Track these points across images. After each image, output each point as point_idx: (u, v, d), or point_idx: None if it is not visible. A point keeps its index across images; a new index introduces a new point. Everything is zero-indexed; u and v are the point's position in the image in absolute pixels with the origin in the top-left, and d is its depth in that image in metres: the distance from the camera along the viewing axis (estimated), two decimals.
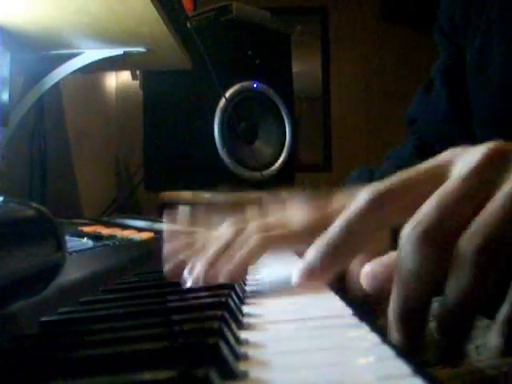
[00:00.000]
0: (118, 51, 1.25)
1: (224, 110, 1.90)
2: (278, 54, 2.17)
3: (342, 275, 0.42)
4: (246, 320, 0.33)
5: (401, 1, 3.68)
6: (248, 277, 0.54)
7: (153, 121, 2.13)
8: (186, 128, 2.00)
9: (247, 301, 0.40)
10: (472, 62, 0.74)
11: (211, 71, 1.69)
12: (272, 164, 2.05)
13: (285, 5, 3.69)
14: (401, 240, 0.30)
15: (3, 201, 0.35)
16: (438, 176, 0.32)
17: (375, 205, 0.32)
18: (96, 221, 1.11)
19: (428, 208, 0.30)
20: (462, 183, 0.30)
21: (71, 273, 0.45)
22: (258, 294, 0.44)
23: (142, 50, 1.26)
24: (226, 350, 0.24)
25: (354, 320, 0.32)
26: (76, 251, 0.62)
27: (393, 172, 0.67)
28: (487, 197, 0.29)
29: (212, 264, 0.45)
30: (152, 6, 1.01)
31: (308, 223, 0.48)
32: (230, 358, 0.24)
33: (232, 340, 0.27)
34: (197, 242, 0.52)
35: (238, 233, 0.47)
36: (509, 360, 0.49)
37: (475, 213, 0.29)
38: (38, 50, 1.23)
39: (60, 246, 0.35)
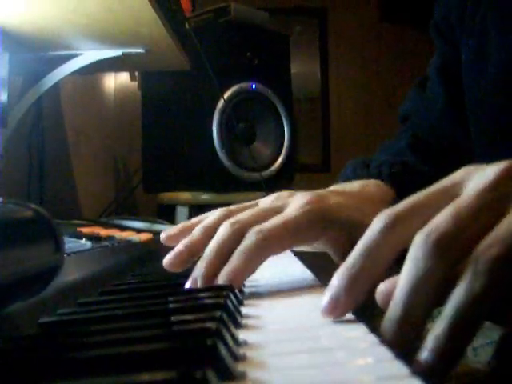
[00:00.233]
0: (116, 52, 1.25)
1: (223, 111, 1.90)
2: (276, 54, 2.17)
3: None
4: (244, 321, 0.33)
5: (400, 1, 3.68)
6: None
7: (151, 122, 2.13)
8: (185, 129, 2.00)
9: (246, 302, 0.40)
10: (468, 60, 0.75)
11: (210, 72, 1.69)
12: (271, 165, 2.05)
13: (283, 5, 3.69)
14: (412, 246, 0.30)
15: (1, 201, 0.35)
16: (452, 194, 0.32)
17: (392, 227, 0.32)
18: (94, 222, 1.11)
19: (443, 217, 0.30)
20: (476, 197, 0.30)
21: (70, 274, 0.45)
22: (256, 295, 0.44)
23: (140, 50, 1.26)
24: (224, 351, 0.24)
25: (353, 321, 0.32)
26: (74, 252, 0.62)
27: (389, 165, 0.67)
28: (501, 212, 0.29)
29: (211, 266, 0.45)
30: (150, 6, 1.01)
31: (303, 207, 0.48)
32: (228, 359, 0.24)
33: (230, 341, 0.27)
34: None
35: (235, 232, 0.47)
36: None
37: (488, 226, 0.29)
38: (36, 51, 1.23)
39: (58, 247, 0.35)
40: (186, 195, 1.99)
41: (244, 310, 0.37)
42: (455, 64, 0.77)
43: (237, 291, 0.41)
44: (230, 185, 1.94)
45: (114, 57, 1.26)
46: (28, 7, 1.00)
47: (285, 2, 3.71)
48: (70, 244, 0.69)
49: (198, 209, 2.00)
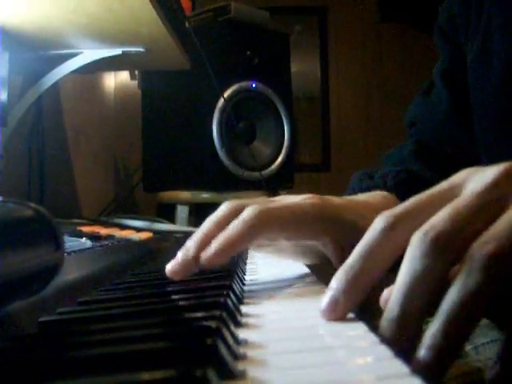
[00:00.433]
0: (116, 51, 1.25)
1: (223, 110, 1.90)
2: (276, 53, 2.17)
3: None
4: (244, 320, 0.33)
5: (400, 1, 3.68)
6: (247, 277, 0.54)
7: (151, 121, 2.13)
8: (185, 128, 2.00)
9: (246, 301, 0.40)
10: (473, 61, 0.74)
11: (210, 71, 1.69)
12: (271, 164, 2.05)
13: (283, 5, 3.69)
14: (410, 246, 0.30)
15: (2, 201, 0.35)
16: (452, 195, 0.32)
17: (391, 229, 0.32)
18: (94, 221, 1.11)
19: (440, 217, 0.30)
20: (474, 197, 0.30)
21: (70, 273, 0.45)
22: (256, 294, 0.44)
23: (140, 49, 1.26)
24: (224, 350, 0.24)
25: (353, 320, 0.32)
26: (74, 251, 0.62)
27: (393, 175, 0.67)
28: (499, 212, 0.29)
29: (201, 246, 0.45)
30: (150, 6, 1.01)
31: (308, 199, 0.48)
32: (229, 358, 0.24)
33: (230, 340, 0.27)
34: None
35: (233, 211, 0.47)
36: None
37: (486, 226, 0.29)
38: (36, 50, 1.23)
39: (58, 245, 0.35)
40: (185, 194, 1.99)
41: (244, 308, 0.37)
42: (460, 67, 0.77)
43: (237, 290, 0.41)
44: (229, 184, 1.94)
45: (114, 56, 1.26)
46: (28, 7, 1.00)
47: (285, 1, 3.72)
48: (70, 243, 0.69)
49: (197, 208, 2.00)
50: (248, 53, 2.02)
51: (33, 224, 0.34)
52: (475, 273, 0.27)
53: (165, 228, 1.11)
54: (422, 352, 0.27)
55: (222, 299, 0.34)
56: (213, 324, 0.26)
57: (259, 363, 0.25)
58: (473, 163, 0.36)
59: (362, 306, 0.35)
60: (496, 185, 0.31)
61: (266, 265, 0.63)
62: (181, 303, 0.37)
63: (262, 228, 0.44)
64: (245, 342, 0.28)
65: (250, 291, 0.45)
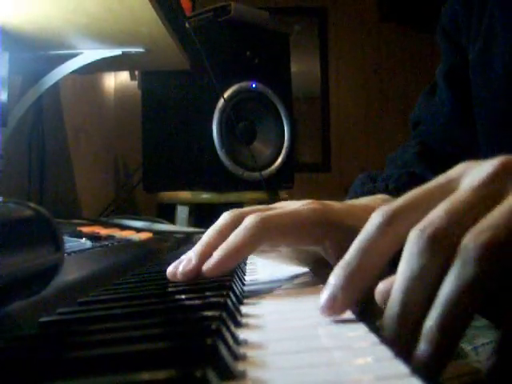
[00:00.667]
0: (116, 51, 1.25)
1: (222, 111, 1.90)
2: (276, 54, 2.17)
3: None
4: (244, 320, 0.33)
5: (399, 1, 3.68)
6: (246, 277, 0.54)
7: (151, 121, 2.13)
8: (185, 128, 2.00)
9: (246, 301, 0.40)
10: (475, 61, 0.74)
11: (210, 71, 1.69)
12: (271, 164, 2.05)
13: (283, 5, 3.69)
14: (407, 243, 0.30)
15: (2, 201, 0.35)
16: (449, 189, 0.32)
17: (388, 224, 0.32)
18: (95, 221, 1.11)
19: (437, 213, 0.30)
20: (471, 192, 0.30)
21: (70, 273, 0.45)
22: (256, 294, 0.44)
23: (140, 50, 1.26)
24: (224, 351, 0.24)
25: (353, 320, 0.32)
26: (74, 251, 0.62)
27: (395, 178, 0.67)
28: (496, 206, 0.29)
29: (203, 256, 0.45)
30: (150, 6, 1.01)
31: (308, 205, 0.48)
32: (228, 359, 0.24)
33: (230, 340, 0.27)
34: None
35: (235, 220, 0.47)
36: None
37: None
38: (36, 50, 1.23)
39: (58, 246, 0.35)
40: (185, 194, 1.99)
41: (244, 309, 0.37)
42: (463, 68, 0.77)
43: (237, 290, 0.41)
44: (229, 184, 1.94)
45: (114, 56, 1.26)
46: (28, 7, 1.00)
47: (285, 2, 3.72)
48: (70, 243, 0.69)
49: (197, 208, 2.00)
50: (248, 53, 2.02)
51: (33, 224, 0.34)
52: (469, 264, 0.27)
53: (165, 228, 1.11)
54: (421, 346, 0.27)
55: (221, 299, 0.34)
56: (213, 324, 0.26)
57: (259, 364, 0.25)
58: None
59: (362, 306, 0.35)
60: (492, 179, 0.31)
61: (265, 265, 0.63)
62: (181, 303, 0.37)
63: (264, 236, 0.45)
64: (245, 343, 0.29)
65: (249, 291, 0.45)
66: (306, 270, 0.56)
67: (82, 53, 1.25)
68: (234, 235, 0.44)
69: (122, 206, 2.13)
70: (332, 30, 3.85)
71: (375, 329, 0.30)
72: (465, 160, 0.35)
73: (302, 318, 0.35)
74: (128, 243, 0.81)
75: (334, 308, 0.32)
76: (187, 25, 1.54)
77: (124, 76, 2.33)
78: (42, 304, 0.36)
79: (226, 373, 0.23)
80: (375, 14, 3.79)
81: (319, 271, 0.53)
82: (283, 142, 2.10)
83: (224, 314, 0.30)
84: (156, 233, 0.96)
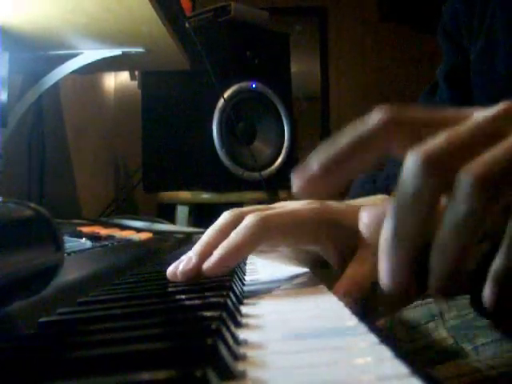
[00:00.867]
0: (116, 51, 1.25)
1: (223, 111, 1.90)
2: (276, 54, 2.17)
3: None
4: (244, 320, 0.33)
5: (399, 1, 3.68)
6: (246, 277, 0.54)
7: (151, 121, 2.13)
8: (185, 128, 2.00)
9: (246, 301, 0.40)
10: (476, 61, 0.74)
11: (210, 71, 1.69)
12: (271, 164, 2.05)
13: (283, 5, 3.69)
14: (405, 163, 0.29)
15: (1, 201, 0.35)
16: (458, 119, 0.31)
17: (388, 122, 0.31)
18: (95, 221, 1.11)
19: (439, 138, 0.29)
20: (476, 124, 0.29)
21: (70, 273, 0.45)
22: (256, 294, 0.44)
23: (140, 50, 1.26)
24: (224, 351, 0.24)
25: (353, 320, 0.32)
26: (74, 252, 0.62)
27: (395, 178, 0.67)
28: (499, 138, 0.28)
29: (203, 255, 0.45)
30: (150, 6, 1.01)
31: (307, 205, 0.48)
32: (228, 359, 0.24)
33: (230, 340, 0.27)
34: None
35: (235, 220, 0.47)
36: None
37: (485, 149, 0.28)
38: (36, 50, 1.23)
39: (58, 246, 0.35)
40: (185, 194, 1.99)
41: (244, 309, 0.37)
42: (463, 68, 0.77)
43: (237, 290, 0.41)
44: (230, 184, 1.94)
45: (114, 56, 1.26)
46: (28, 7, 1.00)
47: (285, 2, 3.72)
48: (70, 243, 0.69)
49: (197, 208, 2.00)
50: (248, 53, 2.02)
51: (33, 224, 0.34)
52: (463, 198, 0.26)
53: (165, 228, 1.11)
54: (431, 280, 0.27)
55: (221, 300, 0.34)
56: (213, 324, 0.26)
57: (259, 363, 0.25)
58: None
59: (362, 306, 0.35)
60: (498, 117, 0.30)
61: (265, 265, 0.63)
62: (181, 304, 0.37)
63: (263, 235, 0.45)
64: (245, 343, 0.28)
65: (249, 291, 0.45)
66: (305, 270, 0.56)
67: (82, 53, 1.25)
68: (235, 234, 0.44)
69: (122, 206, 2.13)
70: (332, 29, 3.85)
71: (375, 329, 0.30)
72: None
73: (302, 317, 0.35)
74: (128, 243, 0.81)
75: (307, 179, 0.32)
76: (187, 25, 1.55)
77: (124, 76, 2.33)
78: (42, 304, 0.36)
79: (226, 373, 0.23)
80: (375, 14, 3.79)
81: (319, 271, 0.53)
82: (283, 142, 2.10)
83: (224, 314, 0.30)
84: (156, 233, 0.96)
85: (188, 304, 0.37)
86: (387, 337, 0.29)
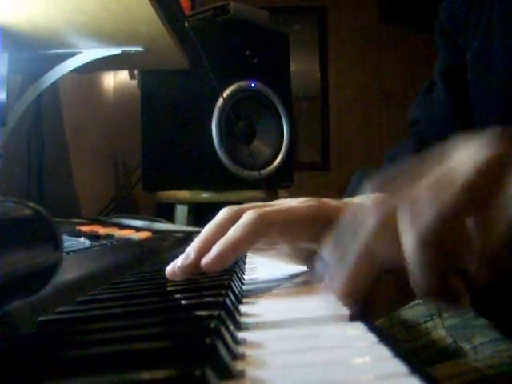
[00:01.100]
0: (115, 50, 1.25)
1: (222, 110, 1.90)
2: (276, 53, 2.17)
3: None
4: (243, 319, 0.33)
5: (399, 1, 3.68)
6: (246, 276, 0.54)
7: (150, 120, 2.13)
8: (184, 127, 2.00)
9: (245, 300, 0.40)
10: (473, 59, 0.74)
11: (209, 70, 1.69)
12: (270, 163, 2.05)
13: (283, 4, 3.69)
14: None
15: (0, 200, 0.35)
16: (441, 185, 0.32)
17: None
18: (94, 220, 1.11)
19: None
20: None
21: (69, 272, 0.45)
22: (255, 293, 0.44)
23: (139, 49, 1.26)
24: (222, 350, 0.24)
25: (352, 320, 0.32)
26: (73, 251, 0.62)
27: (392, 178, 0.68)
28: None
29: (201, 251, 0.45)
30: (150, 5, 1.01)
31: (305, 202, 0.48)
32: (227, 358, 0.24)
33: (229, 339, 0.27)
34: None
35: (233, 216, 0.47)
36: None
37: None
38: (35, 50, 1.22)
39: (57, 245, 0.35)
40: (185, 194, 1.99)
41: (243, 308, 0.37)
42: (460, 66, 0.77)
43: (236, 289, 0.41)
44: (229, 183, 1.94)
45: (113, 55, 1.26)
46: (27, 6, 1.00)
47: (284, 1, 3.71)
48: (69, 242, 0.69)
49: (197, 207, 2.00)
50: (247, 52, 2.02)
51: (31, 223, 0.34)
52: None
53: (164, 228, 1.11)
54: None
55: (220, 299, 0.34)
56: (212, 324, 0.26)
57: (258, 363, 0.25)
58: None
59: (361, 306, 0.35)
60: (477, 186, 0.31)
61: (264, 264, 0.63)
62: (180, 303, 0.37)
63: (261, 232, 0.45)
64: (243, 342, 0.28)
65: (249, 290, 0.45)
66: (305, 269, 0.56)
67: (81, 52, 1.25)
68: (233, 231, 0.44)
69: (121, 205, 2.13)
70: (332, 29, 3.85)
71: (374, 328, 0.30)
72: None
73: (301, 317, 0.35)
74: (127, 242, 0.81)
75: None
76: (186, 24, 1.54)
77: (123, 75, 2.33)
78: (41, 303, 0.36)
79: (225, 372, 0.23)
80: (375, 14, 3.78)
81: (318, 270, 0.53)
82: (282, 141, 2.10)
83: (223, 313, 0.30)
84: (155, 232, 0.96)
85: (187, 303, 0.37)
86: (386, 336, 0.29)
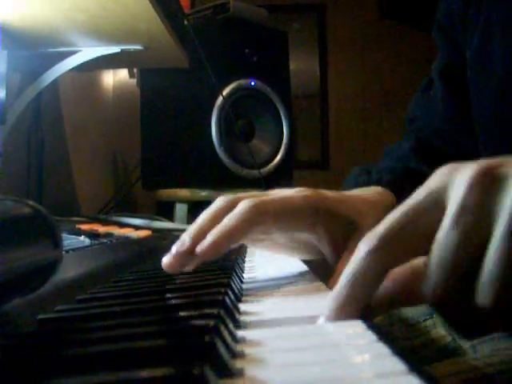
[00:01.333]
0: (114, 49, 1.25)
1: (221, 108, 1.90)
2: (275, 51, 2.17)
3: None
4: (242, 318, 0.33)
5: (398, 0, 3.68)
6: (245, 275, 0.54)
7: (150, 118, 2.13)
8: (184, 126, 2.00)
9: (244, 299, 0.40)
10: (472, 57, 0.74)
11: (208, 69, 1.69)
12: (270, 162, 2.05)
13: (282, 2, 3.69)
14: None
15: (0, 199, 0.35)
16: (432, 207, 0.32)
17: (375, 253, 0.32)
18: (93, 219, 1.11)
19: (433, 270, 0.31)
20: (455, 226, 0.30)
21: (68, 271, 0.45)
22: (255, 292, 0.44)
23: (139, 47, 1.26)
24: (222, 348, 0.24)
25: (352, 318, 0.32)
26: (73, 249, 0.62)
27: (390, 170, 0.68)
28: (484, 229, 0.29)
29: (196, 238, 0.45)
30: (149, 3, 1.01)
31: (301, 192, 0.48)
32: (226, 356, 0.24)
33: (228, 338, 0.27)
34: None
35: (229, 205, 0.47)
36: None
37: (478, 250, 0.29)
38: (35, 48, 1.22)
39: (57, 243, 0.35)
40: (184, 192, 1.99)
41: (242, 306, 0.37)
42: (458, 64, 0.77)
43: (235, 288, 0.41)
44: (228, 182, 1.94)
45: (113, 54, 1.26)
46: (26, 5, 1.00)
47: None
48: (69, 241, 0.69)
49: (196, 206, 2.00)
50: (247, 51, 2.02)
51: (31, 222, 0.34)
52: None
53: (163, 226, 1.11)
54: None
55: (220, 297, 0.34)
56: (211, 322, 0.26)
57: (257, 361, 0.25)
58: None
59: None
60: (470, 202, 0.30)
61: (264, 263, 0.63)
62: (179, 301, 0.37)
63: (256, 220, 0.45)
64: (243, 340, 0.29)
65: (248, 289, 0.45)
66: (304, 267, 0.56)
67: (80, 50, 1.25)
68: (228, 219, 0.45)
69: (121, 204, 2.13)
70: (331, 27, 3.85)
71: (374, 326, 0.30)
72: (461, 156, 0.34)
73: (300, 315, 0.35)
74: (127, 241, 0.81)
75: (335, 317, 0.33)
76: (186, 22, 1.54)
77: (123, 73, 2.33)
78: (41, 301, 0.36)
79: (224, 370, 0.23)
80: (375, 12, 3.78)
81: (318, 263, 0.53)
82: (282, 140, 2.10)
83: (222, 312, 0.30)
84: (155, 230, 0.96)
85: (186, 301, 0.37)
86: (385, 334, 0.29)
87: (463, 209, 0.30)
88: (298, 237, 0.51)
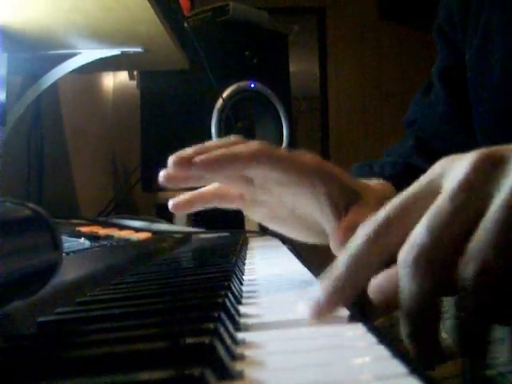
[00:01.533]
0: (114, 51, 1.25)
1: (221, 110, 1.90)
2: (275, 53, 2.17)
3: None
4: (242, 320, 0.33)
5: (398, 0, 3.68)
6: (245, 277, 0.54)
7: (150, 121, 2.13)
8: (184, 128, 2.00)
9: (244, 301, 0.40)
10: (472, 59, 0.74)
11: (208, 71, 1.69)
12: None
13: (282, 5, 3.69)
14: (399, 267, 0.30)
15: (0, 201, 0.35)
16: (433, 189, 0.32)
17: (374, 239, 0.32)
18: (93, 221, 1.11)
19: (419, 230, 0.30)
20: (450, 201, 0.30)
21: (68, 273, 0.45)
22: (254, 294, 0.44)
23: (139, 50, 1.26)
24: (222, 351, 0.24)
25: (351, 320, 0.32)
26: (73, 251, 0.62)
27: (391, 165, 0.68)
28: (479, 209, 0.29)
29: (200, 151, 0.46)
30: (149, 5, 1.01)
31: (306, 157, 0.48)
32: (226, 358, 0.24)
33: (228, 340, 0.27)
34: None
35: (239, 141, 0.49)
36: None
37: (469, 227, 0.29)
38: (35, 50, 1.22)
39: (57, 246, 0.35)
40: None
41: (242, 309, 0.37)
42: (458, 66, 0.77)
43: (235, 290, 0.41)
44: None
45: (113, 56, 1.26)
46: (26, 7, 1.00)
47: (283, 1, 3.71)
48: (69, 243, 0.69)
49: None
50: (247, 53, 2.02)
51: (31, 224, 0.34)
52: (467, 299, 0.28)
53: (164, 228, 1.11)
54: None
55: (220, 299, 0.34)
56: (211, 324, 0.26)
57: (257, 363, 0.25)
58: None
59: (361, 306, 0.35)
60: (470, 181, 0.30)
61: (264, 265, 0.63)
62: (179, 303, 0.37)
63: (261, 157, 0.46)
64: (243, 342, 0.29)
65: (248, 291, 0.45)
66: (304, 269, 0.56)
67: (80, 53, 1.25)
68: (234, 147, 0.46)
69: (121, 206, 2.13)
70: (331, 29, 3.85)
71: (374, 328, 0.30)
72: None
73: (301, 317, 0.35)
74: (127, 243, 0.81)
75: (319, 312, 0.33)
76: (186, 24, 1.54)
77: (123, 76, 2.33)
78: (41, 304, 0.36)
79: (224, 373, 0.23)
80: (374, 14, 3.78)
81: (318, 266, 0.53)
82: (282, 142, 2.10)
83: (222, 314, 0.30)
84: (155, 233, 0.96)
85: (186, 304, 0.37)
86: (385, 336, 0.29)
87: (460, 186, 0.30)
88: (299, 205, 0.51)
